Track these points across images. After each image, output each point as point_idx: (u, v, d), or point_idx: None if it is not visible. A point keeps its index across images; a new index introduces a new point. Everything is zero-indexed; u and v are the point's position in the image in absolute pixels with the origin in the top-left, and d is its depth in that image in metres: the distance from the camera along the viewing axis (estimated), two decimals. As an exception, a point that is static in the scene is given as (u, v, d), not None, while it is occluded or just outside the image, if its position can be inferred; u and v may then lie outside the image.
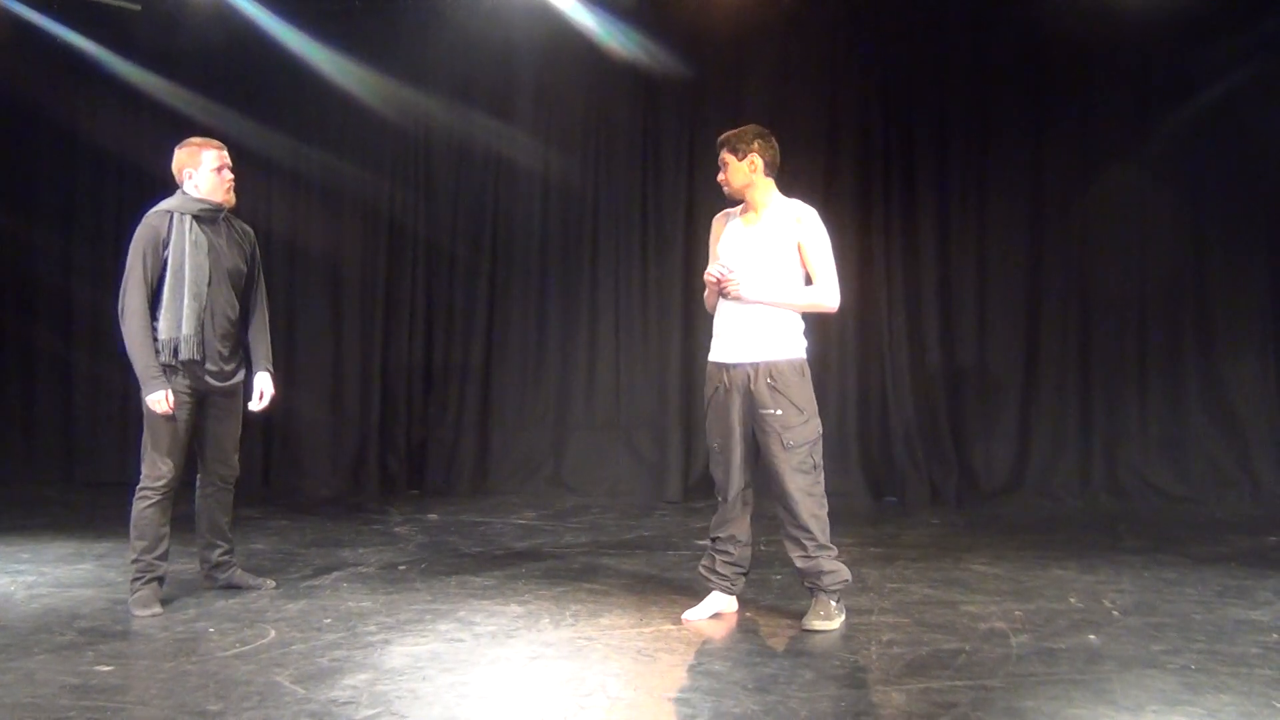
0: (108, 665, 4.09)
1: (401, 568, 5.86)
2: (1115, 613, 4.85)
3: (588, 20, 8.22)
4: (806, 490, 4.60)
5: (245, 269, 5.19)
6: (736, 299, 4.65)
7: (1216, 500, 7.77)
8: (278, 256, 8.96)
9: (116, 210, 9.15)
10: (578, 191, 8.72)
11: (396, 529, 7.08)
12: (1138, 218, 8.17)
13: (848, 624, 4.63)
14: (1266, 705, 3.62)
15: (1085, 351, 8.23)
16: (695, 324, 8.23)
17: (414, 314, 8.83)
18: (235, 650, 4.27)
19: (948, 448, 8.18)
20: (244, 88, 8.84)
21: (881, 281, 8.29)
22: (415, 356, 8.85)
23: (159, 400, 4.83)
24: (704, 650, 4.34)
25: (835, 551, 4.68)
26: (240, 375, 5.19)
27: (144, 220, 4.97)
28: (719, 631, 4.62)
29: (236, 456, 5.22)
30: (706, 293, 4.84)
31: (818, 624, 4.57)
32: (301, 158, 8.90)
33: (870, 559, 6.02)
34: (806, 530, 4.59)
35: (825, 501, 4.67)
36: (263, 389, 5.23)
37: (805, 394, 4.65)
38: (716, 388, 4.74)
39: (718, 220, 4.93)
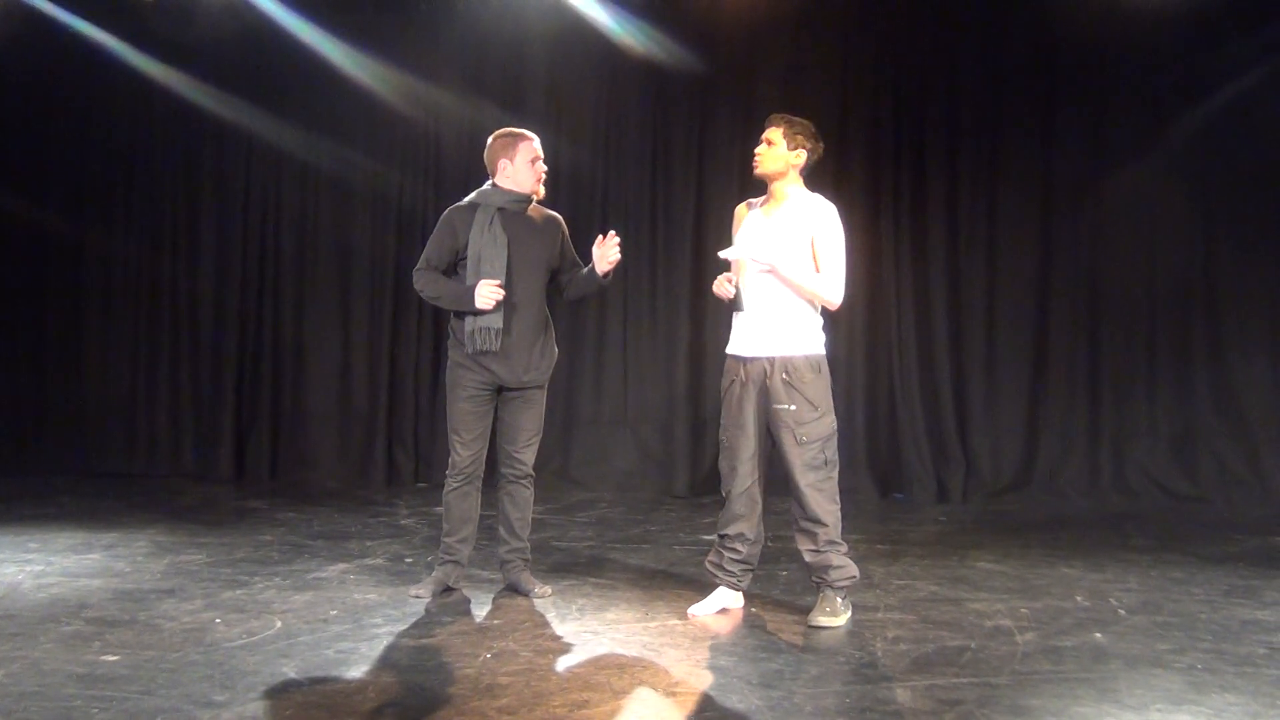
0: (114, 655, 4.10)
1: (408, 560, 5.88)
2: (1121, 611, 4.84)
3: (599, 14, 8.21)
4: (817, 486, 4.60)
5: (551, 257, 5.05)
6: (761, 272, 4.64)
7: (1225, 500, 7.74)
8: (287, 248, 9.01)
9: (126, 201, 9.19)
10: (587, 185, 8.68)
11: (403, 521, 7.10)
12: (1148, 216, 8.13)
13: (854, 620, 4.64)
14: (1272, 705, 3.62)
15: (1094, 349, 8.19)
16: (703, 319, 8.23)
17: (422, 307, 8.81)
18: (242, 641, 4.28)
19: (955, 445, 8.16)
20: (256, 79, 8.86)
21: (890, 278, 8.26)
22: (423, 349, 8.83)
23: (486, 297, 4.73)
24: (709, 645, 4.34)
25: (845, 548, 4.68)
26: (545, 367, 5.03)
27: (445, 213, 4.98)
28: (725, 627, 4.62)
29: (529, 451, 5.09)
30: (725, 280, 4.77)
31: (824, 620, 4.57)
32: (312, 149, 8.89)
33: (877, 556, 6.02)
34: (819, 523, 4.60)
35: (838, 497, 4.67)
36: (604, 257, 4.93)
37: (820, 390, 4.64)
38: (733, 381, 4.74)
39: (741, 208, 4.94)
